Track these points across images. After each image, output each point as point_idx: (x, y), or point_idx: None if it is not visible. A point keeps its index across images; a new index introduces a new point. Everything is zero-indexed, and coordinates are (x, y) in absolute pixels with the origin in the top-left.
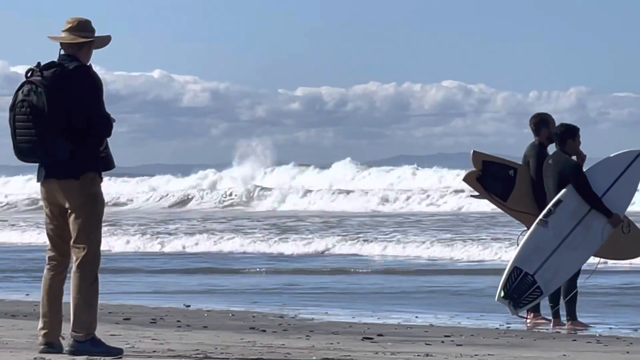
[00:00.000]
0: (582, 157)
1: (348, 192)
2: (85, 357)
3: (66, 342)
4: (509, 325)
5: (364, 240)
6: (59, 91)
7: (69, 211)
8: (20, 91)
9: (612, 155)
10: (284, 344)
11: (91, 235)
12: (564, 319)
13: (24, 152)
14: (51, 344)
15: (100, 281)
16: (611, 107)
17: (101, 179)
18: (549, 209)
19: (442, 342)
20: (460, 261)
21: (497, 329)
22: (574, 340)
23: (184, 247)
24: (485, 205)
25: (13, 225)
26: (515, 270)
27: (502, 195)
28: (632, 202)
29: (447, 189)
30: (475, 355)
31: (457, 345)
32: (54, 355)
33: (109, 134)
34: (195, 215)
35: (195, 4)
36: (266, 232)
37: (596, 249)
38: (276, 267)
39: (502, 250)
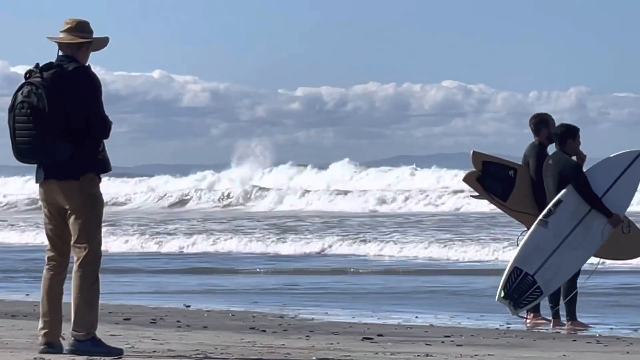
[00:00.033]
0: (582, 157)
1: (346, 192)
2: (85, 357)
3: (66, 342)
4: (509, 326)
5: (362, 241)
6: (58, 92)
7: (69, 212)
8: (20, 92)
9: (612, 155)
10: (284, 344)
11: (92, 235)
12: (563, 319)
13: (23, 153)
14: (51, 344)
15: (100, 281)
16: (611, 107)
17: (100, 180)
18: (549, 209)
19: (442, 342)
20: (460, 261)
21: (497, 329)
22: (574, 340)
23: (182, 248)
24: (485, 206)
25: (12, 225)
26: (516, 270)
27: (502, 195)
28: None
29: (446, 189)
30: (475, 355)
31: (457, 345)
32: (54, 356)
33: (106, 136)
34: (195, 216)
35: (195, 4)
36: (266, 232)
37: (596, 249)
38: (276, 267)
39: (502, 250)
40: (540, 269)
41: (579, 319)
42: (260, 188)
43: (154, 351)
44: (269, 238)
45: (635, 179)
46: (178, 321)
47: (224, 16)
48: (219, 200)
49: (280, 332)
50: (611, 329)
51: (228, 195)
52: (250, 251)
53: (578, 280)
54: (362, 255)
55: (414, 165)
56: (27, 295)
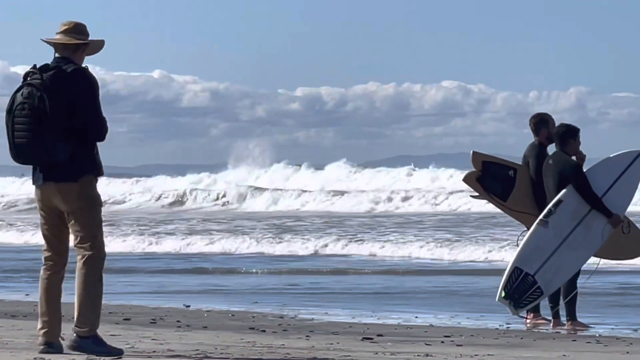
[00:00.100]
0: (581, 157)
1: (343, 192)
2: (85, 357)
3: (66, 342)
4: (508, 326)
5: (360, 241)
6: (58, 93)
7: (69, 214)
8: (20, 93)
9: (612, 155)
10: (284, 344)
11: (94, 236)
12: (563, 319)
13: (22, 154)
14: (51, 344)
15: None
16: (611, 107)
17: (97, 181)
18: (549, 209)
19: (442, 342)
20: (460, 261)
21: (497, 329)
22: (574, 340)
23: (181, 248)
24: (485, 206)
25: (11, 225)
26: (516, 270)
27: (502, 195)
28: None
29: (443, 189)
30: (475, 355)
31: (457, 345)
32: (54, 355)
33: (102, 138)
34: (193, 215)
35: (196, 4)
36: (265, 232)
37: (596, 249)
38: (276, 267)
39: (502, 250)
40: (540, 269)
41: (579, 319)
42: (256, 188)
43: (154, 351)
44: (266, 238)
45: (635, 179)
46: (178, 321)
47: (224, 16)
48: (215, 198)
49: (280, 332)
50: (612, 329)
51: (224, 196)
52: (250, 251)
53: (578, 280)
54: (362, 255)
55: (412, 165)
56: (27, 295)
